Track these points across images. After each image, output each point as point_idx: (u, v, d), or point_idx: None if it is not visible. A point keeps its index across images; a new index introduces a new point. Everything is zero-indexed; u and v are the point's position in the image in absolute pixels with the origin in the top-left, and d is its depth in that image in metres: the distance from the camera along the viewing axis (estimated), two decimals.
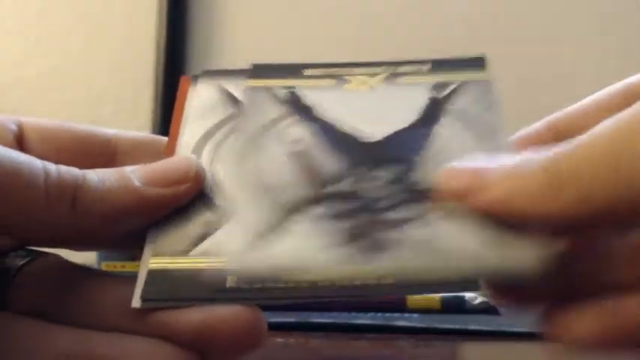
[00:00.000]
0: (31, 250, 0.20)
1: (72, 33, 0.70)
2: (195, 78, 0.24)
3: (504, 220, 0.17)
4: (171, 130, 0.22)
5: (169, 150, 0.21)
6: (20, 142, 0.21)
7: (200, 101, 0.23)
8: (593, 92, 0.23)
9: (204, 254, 0.18)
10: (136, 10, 0.70)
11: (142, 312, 0.17)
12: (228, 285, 0.17)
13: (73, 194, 0.17)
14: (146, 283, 0.17)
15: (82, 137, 0.22)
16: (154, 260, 0.18)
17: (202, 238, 0.18)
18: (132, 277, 0.18)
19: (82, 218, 0.17)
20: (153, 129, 0.68)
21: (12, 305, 0.18)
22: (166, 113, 0.67)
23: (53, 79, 0.70)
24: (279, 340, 0.23)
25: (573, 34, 0.69)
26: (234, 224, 0.18)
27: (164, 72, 0.67)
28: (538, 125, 0.23)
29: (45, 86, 0.69)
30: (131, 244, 0.20)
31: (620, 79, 0.23)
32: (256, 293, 0.17)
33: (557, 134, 0.21)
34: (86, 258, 0.20)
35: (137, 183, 0.18)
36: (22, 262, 0.19)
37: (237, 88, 0.23)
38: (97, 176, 0.18)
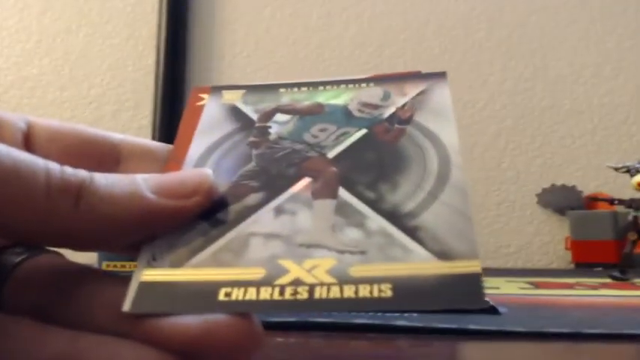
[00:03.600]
0: (30, 247, 0.20)
1: (72, 33, 0.70)
2: (208, 91, 0.25)
3: None
4: (178, 139, 0.22)
5: (177, 160, 0.21)
6: (28, 140, 0.21)
7: (209, 115, 0.23)
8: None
9: (199, 266, 0.18)
10: (136, 10, 0.70)
11: (134, 316, 0.17)
12: (220, 298, 0.17)
13: (76, 193, 0.17)
14: (137, 294, 0.17)
15: (89, 140, 0.22)
16: (147, 272, 0.18)
17: (198, 250, 0.18)
18: (129, 278, 0.18)
19: (85, 218, 0.17)
20: (153, 129, 0.68)
21: (7, 302, 0.18)
22: (166, 113, 0.67)
23: (53, 79, 0.70)
24: (279, 339, 0.23)
25: (573, 34, 0.69)
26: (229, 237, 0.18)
27: (164, 72, 0.67)
28: None
29: (45, 86, 0.69)
30: (133, 250, 0.19)
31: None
32: (249, 306, 0.16)
33: None
34: (87, 257, 0.20)
35: (147, 192, 0.18)
36: (19, 259, 0.19)
37: (242, 103, 0.24)
38: (106, 180, 0.17)
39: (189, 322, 0.16)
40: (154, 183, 0.18)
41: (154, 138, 0.68)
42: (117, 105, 0.69)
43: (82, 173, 0.17)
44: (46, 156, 0.17)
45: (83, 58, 0.70)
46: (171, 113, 0.67)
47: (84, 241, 0.18)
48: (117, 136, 0.22)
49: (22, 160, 0.16)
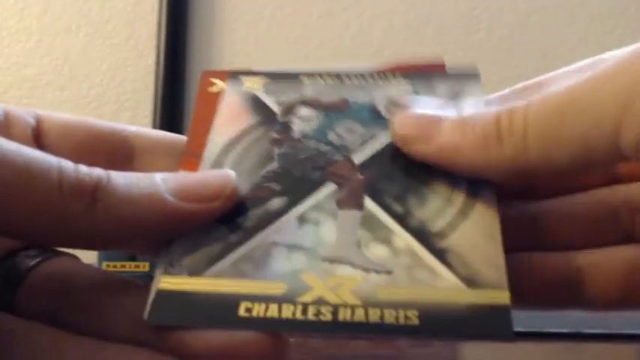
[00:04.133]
0: (44, 249, 0.19)
1: (72, 33, 0.70)
2: (221, 75, 0.23)
3: (450, 169, 0.17)
4: (194, 129, 0.21)
5: (194, 154, 0.20)
6: (38, 136, 0.20)
7: (228, 104, 0.22)
8: None
9: (218, 276, 0.17)
10: (136, 10, 0.70)
11: (158, 327, 0.16)
12: (240, 313, 0.16)
13: (92, 194, 0.16)
14: (155, 304, 0.16)
15: (101, 135, 0.21)
16: (165, 279, 0.17)
17: (218, 258, 0.17)
18: (147, 286, 0.17)
19: (101, 220, 0.16)
20: (153, 128, 0.67)
21: (20, 307, 0.17)
22: (166, 113, 0.67)
23: (53, 79, 0.69)
24: None
25: (573, 34, 0.69)
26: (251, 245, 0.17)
27: (164, 72, 0.67)
28: (506, 92, 0.23)
29: (45, 86, 0.69)
30: (151, 250, 0.19)
31: None
32: (271, 325, 0.15)
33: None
34: (87, 257, 0.20)
35: (167, 195, 0.17)
36: (32, 263, 0.18)
37: (264, 93, 0.22)
38: (124, 179, 0.17)
39: (212, 336, 0.16)
40: (175, 185, 0.17)
41: None
42: (117, 105, 0.69)
43: (98, 172, 0.16)
44: (57, 153, 0.16)
45: (83, 58, 0.70)
46: (172, 113, 0.66)
47: (100, 243, 0.17)
48: (130, 129, 0.21)
49: (34, 159, 0.15)
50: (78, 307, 0.17)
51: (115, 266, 0.46)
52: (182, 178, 0.18)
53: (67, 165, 0.16)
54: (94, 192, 0.16)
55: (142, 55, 0.69)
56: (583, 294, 0.19)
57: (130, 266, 0.46)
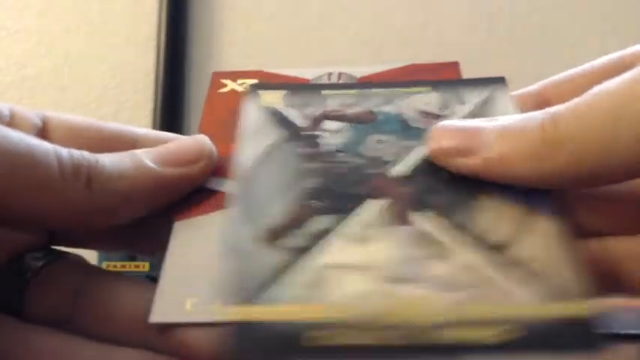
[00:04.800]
0: (51, 250, 0.19)
1: (72, 33, 0.70)
2: (231, 76, 0.23)
3: (497, 180, 0.17)
4: (204, 133, 0.21)
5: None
6: (43, 137, 0.20)
7: (250, 120, 0.21)
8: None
9: (273, 302, 0.15)
10: (136, 10, 0.70)
11: (162, 329, 0.16)
12: (304, 342, 0.14)
13: (87, 174, 0.17)
14: (236, 336, 0.15)
15: (108, 136, 0.21)
16: (215, 309, 0.15)
17: (269, 282, 0.16)
18: (153, 285, 0.17)
19: (98, 196, 0.17)
20: (153, 129, 0.67)
21: (28, 308, 0.18)
22: (166, 114, 0.66)
23: (53, 79, 0.69)
24: None
25: (573, 34, 0.69)
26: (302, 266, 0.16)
27: (164, 72, 0.67)
28: (526, 91, 0.22)
29: (45, 86, 0.69)
30: (145, 249, 0.19)
31: None
32: (340, 351, 0.14)
33: (545, 102, 0.21)
34: (87, 257, 0.20)
35: (150, 163, 0.18)
36: (40, 264, 0.19)
37: (285, 107, 0.22)
38: (109, 159, 0.18)
39: (213, 334, 0.15)
40: (156, 154, 0.19)
41: None
42: (117, 105, 0.69)
43: (87, 154, 0.17)
44: None
45: (83, 58, 0.70)
46: (172, 113, 0.66)
47: (99, 218, 0.18)
48: (139, 131, 0.22)
49: (35, 145, 0.16)
50: (86, 310, 0.18)
51: (115, 266, 0.46)
52: (161, 148, 0.19)
53: (61, 150, 0.17)
54: (89, 172, 0.17)
55: (142, 55, 0.69)
56: (621, 285, 0.18)
57: (130, 266, 0.46)
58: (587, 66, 0.22)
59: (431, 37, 0.70)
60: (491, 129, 0.17)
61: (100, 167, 0.17)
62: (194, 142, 0.20)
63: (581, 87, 0.17)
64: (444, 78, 0.23)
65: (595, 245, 0.18)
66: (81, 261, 0.20)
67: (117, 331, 0.17)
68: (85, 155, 0.17)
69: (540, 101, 0.21)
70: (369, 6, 0.71)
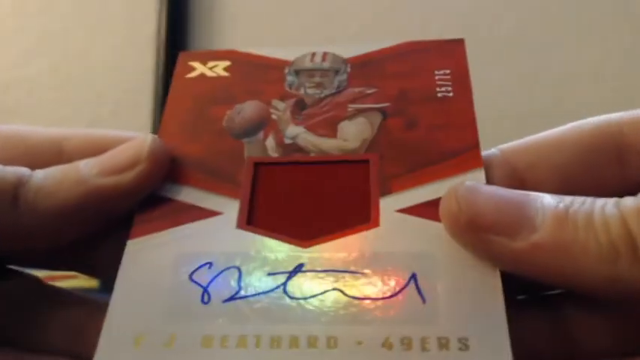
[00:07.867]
0: (6, 270, 0.19)
1: (72, 33, 0.70)
2: (199, 57, 0.20)
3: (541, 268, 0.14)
4: (164, 125, 0.19)
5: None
6: None
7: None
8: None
9: None
10: (136, 10, 0.70)
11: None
12: None
13: (13, 193, 0.16)
14: None
15: (31, 141, 0.20)
16: None
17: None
18: (86, 300, 0.17)
19: (26, 217, 0.16)
20: (153, 129, 0.67)
21: None
22: None
23: (53, 79, 0.69)
24: None
25: (573, 34, 0.69)
26: None
27: (164, 72, 0.67)
28: (491, 154, 0.20)
29: (45, 86, 0.69)
30: (86, 255, 0.18)
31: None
32: None
33: (513, 170, 0.19)
34: None
35: (88, 175, 0.17)
36: None
37: None
38: (43, 173, 0.17)
39: None
40: (95, 163, 0.17)
41: None
42: (116, 105, 0.69)
43: (22, 171, 0.16)
44: None
45: (83, 58, 0.70)
46: None
47: (25, 239, 0.17)
48: (64, 132, 0.20)
49: None
50: (28, 327, 0.17)
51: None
52: (102, 156, 0.17)
53: None
54: (16, 189, 0.16)
55: (141, 55, 0.69)
56: None
57: None
58: (557, 132, 0.20)
59: (431, 37, 0.70)
60: (545, 207, 0.14)
61: (30, 184, 0.16)
62: (131, 145, 0.18)
63: (555, 157, 0.15)
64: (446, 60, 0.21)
65: None
66: (34, 281, 0.19)
67: (50, 343, 0.17)
68: (18, 172, 0.16)
69: (508, 169, 0.19)
70: (370, 5, 0.71)
